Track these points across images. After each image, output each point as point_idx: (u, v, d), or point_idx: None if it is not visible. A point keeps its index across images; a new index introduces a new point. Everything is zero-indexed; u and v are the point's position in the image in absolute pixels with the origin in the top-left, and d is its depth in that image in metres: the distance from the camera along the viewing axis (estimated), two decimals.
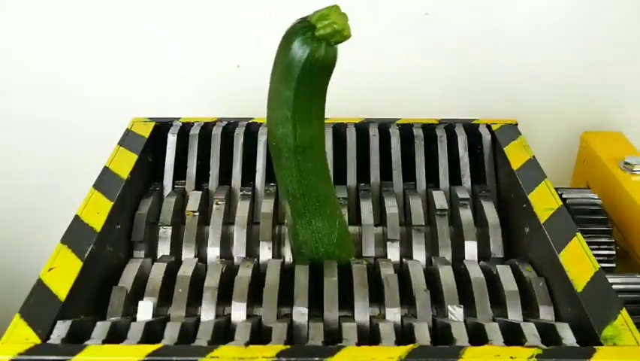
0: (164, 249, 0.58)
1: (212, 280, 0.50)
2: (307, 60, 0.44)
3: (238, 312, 0.48)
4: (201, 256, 0.58)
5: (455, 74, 0.84)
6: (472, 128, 0.67)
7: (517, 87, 0.85)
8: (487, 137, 0.66)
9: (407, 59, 0.83)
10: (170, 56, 0.84)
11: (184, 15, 0.81)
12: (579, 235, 0.50)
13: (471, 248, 0.56)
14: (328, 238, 0.52)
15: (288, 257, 0.57)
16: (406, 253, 0.57)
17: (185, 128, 0.67)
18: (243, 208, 0.59)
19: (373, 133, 0.66)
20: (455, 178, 0.64)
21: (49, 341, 0.41)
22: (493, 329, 0.44)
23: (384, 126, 0.67)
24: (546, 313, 0.47)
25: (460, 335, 0.43)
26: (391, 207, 0.59)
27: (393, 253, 0.57)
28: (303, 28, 0.44)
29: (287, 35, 0.46)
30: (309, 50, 0.44)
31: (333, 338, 0.45)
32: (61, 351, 0.40)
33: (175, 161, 0.65)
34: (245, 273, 0.51)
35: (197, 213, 0.59)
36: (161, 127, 0.67)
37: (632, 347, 0.40)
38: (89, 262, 0.48)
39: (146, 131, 0.66)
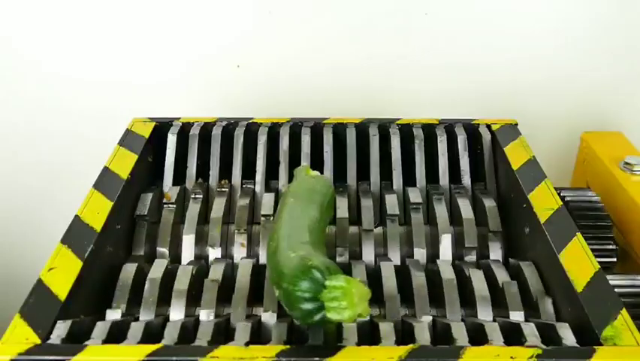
0: (165, 225, 0.58)
1: (211, 279, 0.50)
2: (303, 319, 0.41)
3: (237, 312, 0.48)
4: (200, 255, 0.58)
5: (455, 74, 0.84)
6: (472, 128, 0.67)
7: (517, 87, 0.85)
8: (487, 137, 0.66)
9: (407, 59, 0.83)
10: (170, 56, 0.84)
11: (184, 15, 0.81)
12: (579, 235, 0.50)
13: (470, 246, 0.57)
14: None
15: None
16: (407, 251, 0.57)
17: (185, 128, 0.67)
18: (242, 207, 0.59)
19: (373, 133, 0.66)
20: (455, 178, 0.64)
21: (49, 341, 0.41)
22: (493, 329, 0.44)
23: (384, 126, 0.67)
24: (545, 313, 0.48)
25: (460, 335, 0.43)
26: (391, 202, 0.59)
27: (394, 251, 0.57)
28: (314, 285, 0.39)
29: (298, 270, 0.40)
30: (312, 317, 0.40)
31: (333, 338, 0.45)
32: (61, 351, 0.40)
33: (175, 161, 0.65)
34: (244, 273, 0.51)
35: (199, 196, 0.60)
36: (161, 127, 0.67)
37: (632, 347, 0.40)
38: (89, 262, 0.48)
39: (146, 131, 0.66)
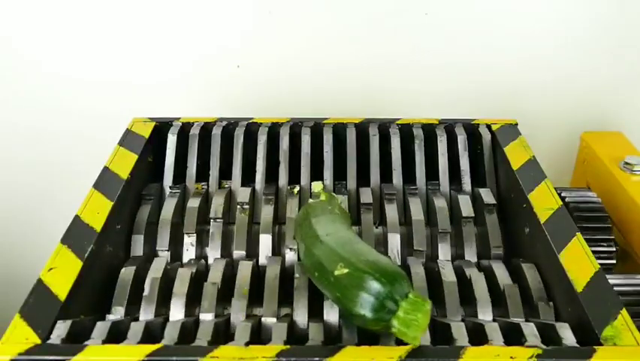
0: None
1: (213, 279, 0.50)
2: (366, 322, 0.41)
3: (238, 312, 0.48)
4: (202, 256, 0.58)
5: (455, 74, 0.84)
6: (472, 128, 0.67)
7: (517, 87, 0.85)
8: (487, 137, 0.66)
9: (407, 59, 0.83)
10: (170, 56, 0.84)
11: (184, 15, 0.81)
12: (579, 235, 0.50)
13: (470, 249, 0.57)
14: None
15: (288, 257, 0.57)
16: (407, 252, 0.57)
17: (185, 128, 0.67)
18: (243, 207, 0.59)
19: (373, 133, 0.66)
20: (455, 178, 0.64)
21: (49, 341, 0.41)
22: (493, 329, 0.44)
23: (384, 126, 0.67)
24: (544, 313, 0.48)
25: (460, 335, 0.43)
26: (391, 207, 0.59)
27: (394, 250, 0.57)
28: (387, 298, 0.40)
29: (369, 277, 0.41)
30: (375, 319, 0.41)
31: (333, 338, 0.45)
32: (61, 351, 0.40)
33: (175, 161, 0.65)
34: (245, 273, 0.51)
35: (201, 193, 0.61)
36: (161, 127, 0.67)
37: (632, 347, 0.41)
38: (89, 262, 0.48)
39: (146, 131, 0.66)
